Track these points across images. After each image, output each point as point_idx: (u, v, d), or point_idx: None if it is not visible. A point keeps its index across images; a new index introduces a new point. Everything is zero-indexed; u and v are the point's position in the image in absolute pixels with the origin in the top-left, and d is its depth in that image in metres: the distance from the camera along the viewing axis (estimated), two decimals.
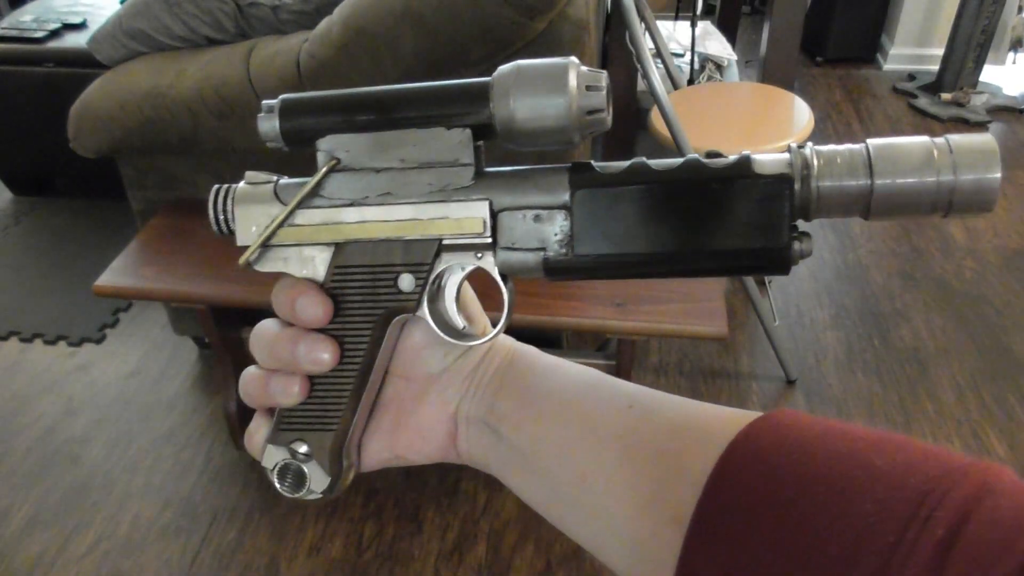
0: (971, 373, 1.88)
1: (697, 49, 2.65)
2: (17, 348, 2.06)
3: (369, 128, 0.37)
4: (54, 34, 2.36)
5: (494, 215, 0.36)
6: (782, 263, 0.34)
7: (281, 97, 0.37)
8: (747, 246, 0.33)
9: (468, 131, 0.35)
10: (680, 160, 0.34)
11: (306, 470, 0.39)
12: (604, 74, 0.34)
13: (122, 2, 1.78)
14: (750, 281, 1.81)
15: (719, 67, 2.72)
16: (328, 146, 0.37)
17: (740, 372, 1.92)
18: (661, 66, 2.13)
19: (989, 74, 3.13)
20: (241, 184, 0.39)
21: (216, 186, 0.39)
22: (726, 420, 0.34)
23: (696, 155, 0.34)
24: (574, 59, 0.34)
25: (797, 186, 0.33)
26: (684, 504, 0.31)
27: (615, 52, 2.20)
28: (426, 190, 0.36)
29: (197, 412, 1.85)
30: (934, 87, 3.15)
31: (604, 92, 0.34)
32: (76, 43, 2.27)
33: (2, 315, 2.16)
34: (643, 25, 1.69)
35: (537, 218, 0.35)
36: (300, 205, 0.37)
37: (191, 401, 1.88)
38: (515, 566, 1.50)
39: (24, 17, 2.46)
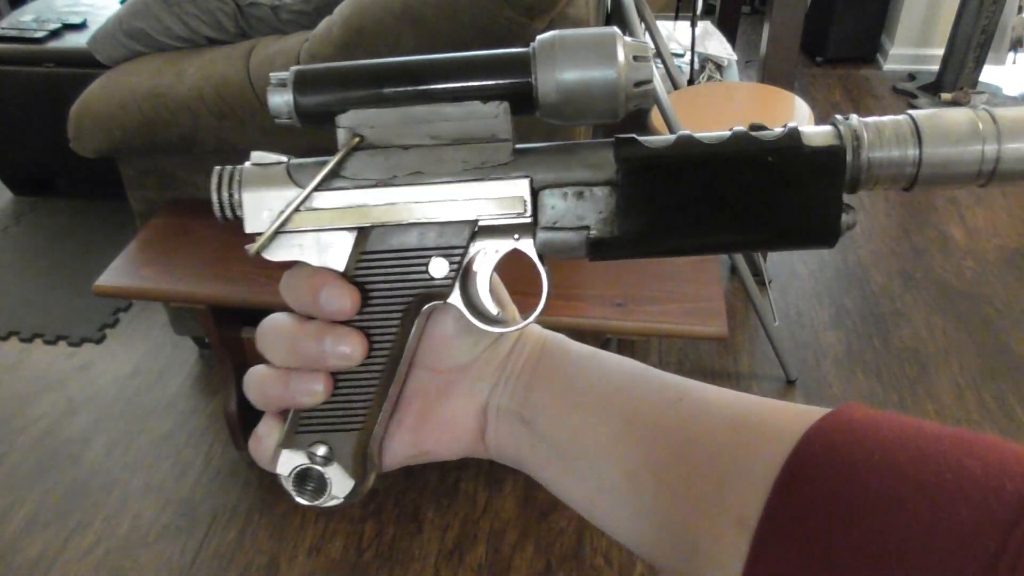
0: (971, 373, 1.88)
1: (697, 49, 2.65)
2: (17, 348, 2.06)
3: (396, 102, 0.33)
4: (54, 34, 2.36)
5: (534, 193, 0.34)
6: (831, 236, 0.33)
7: (294, 68, 0.34)
8: (799, 220, 0.33)
9: (506, 104, 0.33)
10: (727, 132, 0.33)
11: (327, 474, 0.36)
12: (650, 45, 0.33)
13: (122, 2, 1.78)
14: (750, 281, 1.81)
15: (719, 67, 2.72)
16: (350, 122, 0.34)
17: (740, 372, 1.92)
18: (661, 66, 2.13)
19: (989, 74, 3.12)
20: (248, 165, 0.36)
21: (218, 168, 0.35)
22: (788, 416, 0.32)
23: (742, 128, 0.33)
24: (617, 29, 0.33)
25: (849, 157, 0.32)
26: (748, 505, 0.29)
27: None
28: (460, 168, 0.34)
29: (197, 412, 1.85)
30: (934, 87, 3.15)
31: (651, 63, 0.33)
32: (76, 43, 2.27)
33: (2, 315, 2.16)
34: (643, 25, 1.69)
35: (580, 195, 0.34)
36: (320, 187, 0.34)
37: (191, 401, 1.88)
38: (515, 566, 1.50)
39: (24, 17, 2.46)
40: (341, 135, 0.34)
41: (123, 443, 1.78)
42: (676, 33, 2.79)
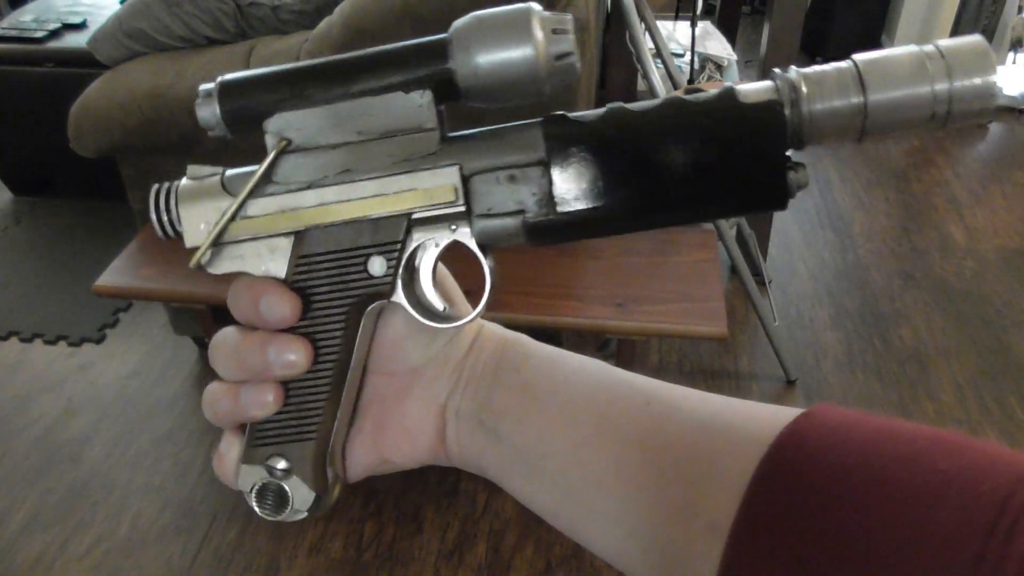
0: (971, 373, 1.88)
1: (697, 49, 2.65)
2: (17, 348, 2.06)
3: (320, 102, 0.33)
4: (54, 34, 2.36)
5: (465, 180, 0.33)
6: (780, 196, 0.31)
7: (219, 78, 0.34)
8: (743, 182, 0.31)
9: (429, 93, 0.33)
10: (660, 100, 0.32)
11: (287, 488, 0.35)
12: (569, 16, 0.32)
13: (122, 2, 1.78)
14: (750, 281, 1.81)
15: (719, 67, 2.72)
16: (276, 126, 0.33)
17: (740, 372, 1.92)
18: (661, 66, 2.13)
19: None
20: (183, 180, 0.35)
21: (155, 185, 0.35)
22: (761, 418, 0.31)
23: (676, 93, 0.33)
24: (534, 3, 0.32)
25: (787, 111, 0.31)
26: (721, 510, 0.29)
27: (615, 52, 2.20)
28: (389, 161, 0.33)
29: (197, 412, 1.85)
30: None
31: (571, 35, 0.32)
32: (76, 43, 2.27)
33: (2, 315, 2.16)
34: (643, 25, 1.69)
35: (512, 179, 0.33)
36: (252, 194, 0.34)
37: (191, 401, 1.88)
38: (515, 566, 1.50)
39: (24, 17, 2.46)
40: (269, 140, 0.34)
41: (123, 443, 1.78)
42: (676, 33, 2.79)
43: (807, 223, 2.45)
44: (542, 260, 1.48)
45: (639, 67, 1.58)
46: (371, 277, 0.34)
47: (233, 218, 0.34)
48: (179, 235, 0.35)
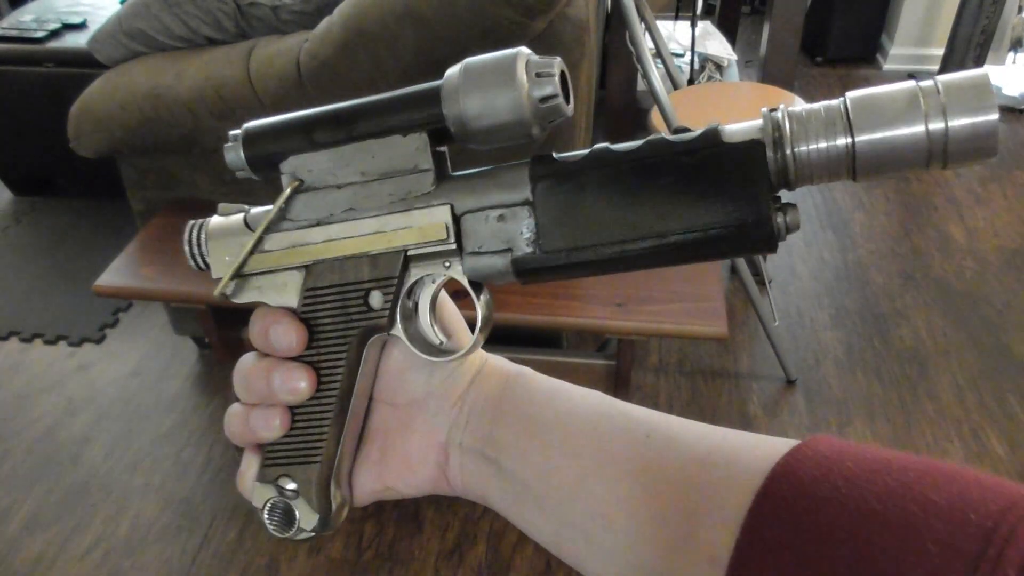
0: (971, 373, 1.88)
1: (697, 49, 2.65)
2: (17, 348, 2.06)
3: (328, 145, 0.36)
4: (54, 34, 2.36)
5: (456, 219, 0.34)
6: (767, 238, 0.31)
7: (244, 126, 0.37)
8: (725, 222, 0.31)
9: (424, 135, 0.34)
10: (644, 140, 0.33)
11: (294, 507, 0.37)
12: (557, 60, 0.33)
13: (122, 2, 1.78)
14: (750, 281, 1.81)
15: (719, 67, 2.72)
16: (291, 168, 0.36)
17: (740, 372, 1.92)
18: (661, 66, 2.13)
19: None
20: (213, 218, 0.39)
21: (190, 222, 0.39)
22: (756, 450, 0.32)
23: (661, 133, 0.33)
24: (524, 49, 0.33)
25: (770, 152, 0.30)
26: (720, 542, 0.30)
27: (615, 52, 2.20)
28: (387, 200, 0.35)
29: (197, 412, 1.85)
30: None
31: (556, 77, 0.32)
32: (76, 43, 2.27)
33: (2, 315, 2.16)
34: (643, 25, 1.69)
35: (501, 218, 0.34)
36: (268, 230, 0.37)
37: (191, 401, 1.88)
38: (515, 566, 1.50)
39: (24, 17, 2.46)
40: (284, 180, 0.37)
41: (123, 443, 1.78)
42: (676, 33, 2.79)
43: (807, 223, 2.45)
44: None
45: (639, 67, 1.58)
46: (371, 310, 0.36)
47: (252, 252, 0.37)
48: (208, 267, 0.39)
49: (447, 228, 0.34)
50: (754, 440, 0.33)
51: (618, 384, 1.56)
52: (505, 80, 0.32)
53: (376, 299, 0.36)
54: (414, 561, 1.51)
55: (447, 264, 0.35)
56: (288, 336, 0.36)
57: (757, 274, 2.08)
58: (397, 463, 0.39)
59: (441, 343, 0.38)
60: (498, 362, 0.40)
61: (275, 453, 0.38)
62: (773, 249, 0.31)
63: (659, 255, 0.32)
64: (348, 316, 0.36)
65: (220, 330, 1.57)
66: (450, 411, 0.38)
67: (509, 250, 0.34)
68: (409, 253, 0.35)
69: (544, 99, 0.32)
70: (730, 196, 0.31)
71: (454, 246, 0.34)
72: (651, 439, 0.35)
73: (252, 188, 1.67)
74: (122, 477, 1.70)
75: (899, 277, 2.21)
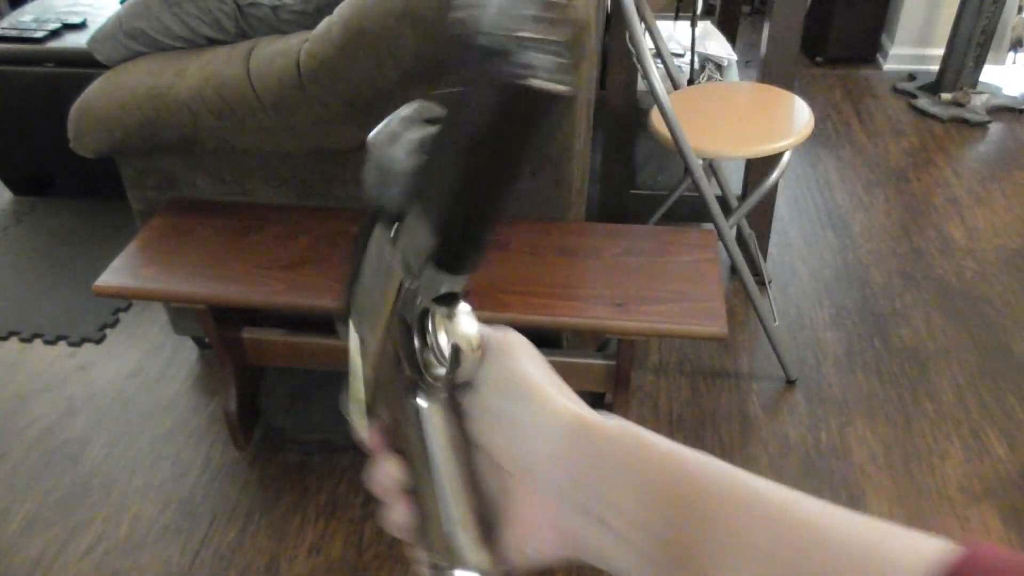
0: (971, 373, 1.88)
1: (697, 49, 2.65)
2: (17, 348, 2.06)
3: None
4: (54, 34, 2.36)
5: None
6: None
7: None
8: None
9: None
10: None
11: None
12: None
13: (122, 2, 1.78)
14: (750, 281, 1.81)
15: (719, 67, 2.72)
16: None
17: (740, 372, 1.92)
18: (661, 66, 2.13)
19: (989, 74, 3.13)
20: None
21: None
22: (912, 550, 0.28)
23: None
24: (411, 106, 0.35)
25: None
26: None
27: (615, 52, 2.20)
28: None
29: (197, 412, 1.85)
30: (934, 87, 3.15)
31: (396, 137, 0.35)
32: (76, 43, 2.27)
33: (2, 315, 2.16)
34: (643, 25, 1.69)
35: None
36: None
37: (191, 401, 1.88)
38: None
39: (24, 17, 2.46)
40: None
41: (123, 443, 1.78)
42: (676, 33, 2.78)
43: (807, 223, 2.45)
44: (542, 260, 1.48)
45: (639, 67, 1.58)
46: (403, 375, 0.38)
47: None
48: None
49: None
50: (904, 538, 0.29)
51: (618, 384, 1.56)
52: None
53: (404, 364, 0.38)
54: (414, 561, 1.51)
55: (419, 300, 0.35)
56: (368, 440, 0.41)
57: (757, 274, 2.08)
58: (520, 529, 0.37)
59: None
60: (617, 420, 0.36)
61: (416, 534, 0.40)
62: None
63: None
64: (396, 389, 0.38)
65: (220, 330, 1.57)
66: (553, 472, 0.36)
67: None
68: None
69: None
70: None
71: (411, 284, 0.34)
72: (798, 531, 0.30)
73: (251, 190, 1.67)
74: (122, 477, 1.70)
75: (899, 277, 2.21)
